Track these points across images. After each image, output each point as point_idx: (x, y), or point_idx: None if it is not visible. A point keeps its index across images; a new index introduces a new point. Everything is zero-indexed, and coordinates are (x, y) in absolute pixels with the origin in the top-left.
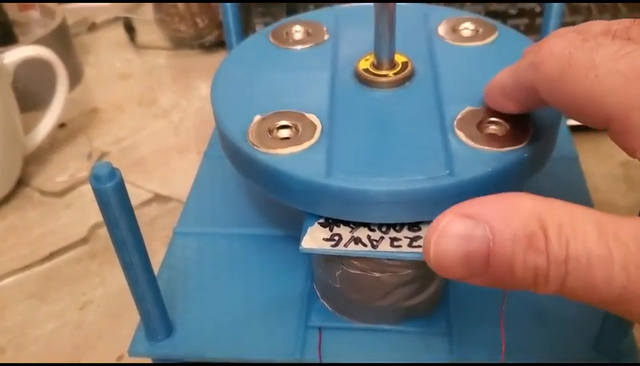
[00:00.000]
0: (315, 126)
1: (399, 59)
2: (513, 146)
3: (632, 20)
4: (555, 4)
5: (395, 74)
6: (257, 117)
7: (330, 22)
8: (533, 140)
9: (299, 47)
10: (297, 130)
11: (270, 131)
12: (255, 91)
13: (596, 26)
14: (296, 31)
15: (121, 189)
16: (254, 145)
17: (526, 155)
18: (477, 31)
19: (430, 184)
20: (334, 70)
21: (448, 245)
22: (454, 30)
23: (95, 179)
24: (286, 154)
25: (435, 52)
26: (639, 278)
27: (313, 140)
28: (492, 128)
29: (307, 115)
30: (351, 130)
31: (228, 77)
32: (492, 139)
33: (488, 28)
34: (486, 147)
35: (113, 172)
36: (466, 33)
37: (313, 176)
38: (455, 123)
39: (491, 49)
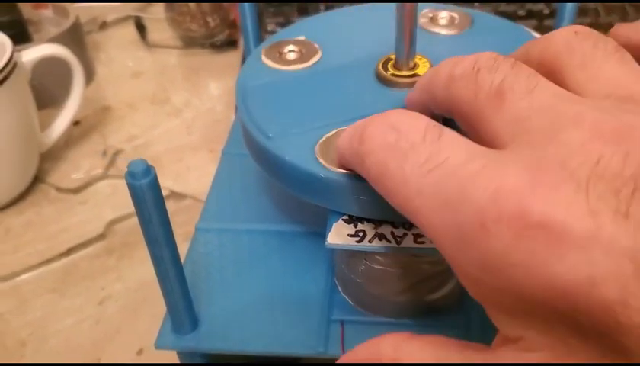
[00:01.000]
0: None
1: (421, 62)
2: None
3: (472, 64)
4: (568, 6)
5: (414, 75)
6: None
7: (320, 35)
8: None
9: (298, 66)
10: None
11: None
12: (288, 115)
13: (443, 68)
14: (290, 51)
15: (156, 185)
16: (320, 161)
17: None
18: (452, 20)
19: None
20: (355, 74)
21: None
22: (434, 20)
23: (131, 176)
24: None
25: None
26: None
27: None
28: None
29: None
30: None
31: (255, 107)
32: None
33: (464, 17)
34: None
35: (149, 169)
36: (443, 21)
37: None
38: None
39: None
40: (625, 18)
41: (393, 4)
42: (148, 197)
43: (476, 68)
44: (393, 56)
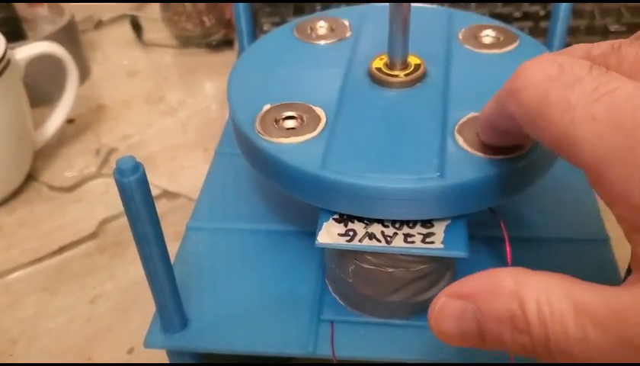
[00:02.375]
0: (319, 119)
1: (413, 60)
2: (509, 154)
3: (611, 43)
4: (562, 7)
5: (407, 75)
6: (267, 107)
7: (354, 19)
8: (531, 151)
9: (321, 42)
10: (302, 121)
11: (277, 121)
12: (269, 82)
13: (578, 50)
14: (320, 27)
15: (144, 182)
16: (259, 132)
17: (520, 164)
18: (498, 39)
19: (419, 185)
20: (350, 67)
21: (446, 325)
22: (475, 36)
23: (119, 172)
24: (288, 143)
25: (452, 57)
26: (615, 356)
27: (315, 132)
28: None
29: (314, 108)
30: (354, 125)
31: (246, 68)
32: (490, 146)
33: (509, 37)
34: (481, 154)
35: (137, 166)
36: (487, 40)
37: (308, 167)
38: (456, 127)
39: (508, 57)
40: (620, 21)
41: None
42: (137, 194)
43: (616, 45)
44: (377, 63)
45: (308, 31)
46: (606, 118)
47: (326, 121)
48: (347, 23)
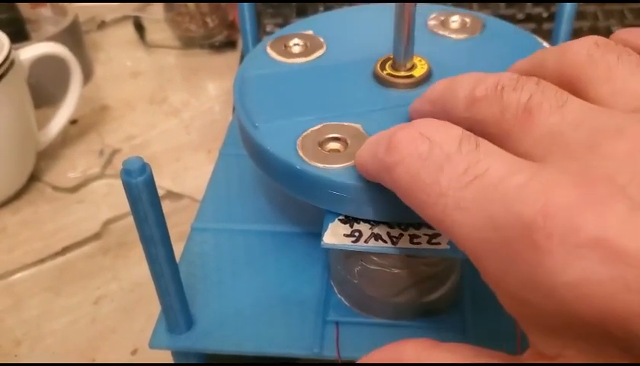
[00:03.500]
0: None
1: (419, 62)
2: None
3: (495, 84)
4: (567, 9)
5: (411, 76)
6: (308, 131)
7: (321, 31)
8: None
9: (299, 60)
10: (346, 144)
11: (320, 144)
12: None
13: (464, 84)
14: (295, 44)
15: (151, 183)
16: (308, 161)
17: None
18: (464, 23)
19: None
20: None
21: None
22: (445, 23)
23: (126, 173)
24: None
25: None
26: None
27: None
28: None
29: (351, 125)
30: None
31: (251, 88)
32: None
33: (475, 21)
34: None
35: (144, 167)
36: (454, 25)
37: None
38: None
39: (481, 41)
40: (623, 22)
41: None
42: (144, 195)
43: (499, 87)
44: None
45: (284, 48)
46: (476, 208)
47: (361, 133)
48: (320, 39)
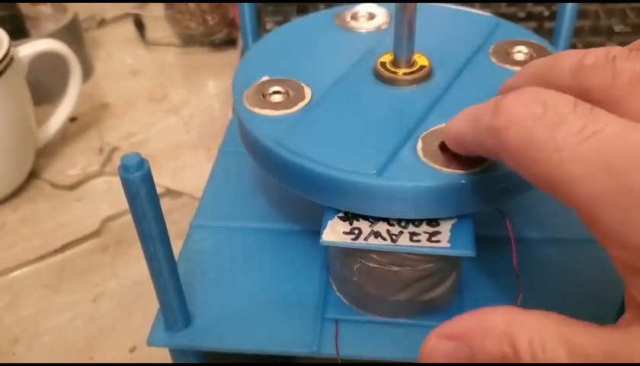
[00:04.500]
0: (303, 98)
1: (421, 60)
2: (457, 169)
3: (606, 53)
4: (568, 8)
5: (406, 74)
6: (265, 78)
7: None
8: (487, 170)
9: (357, 30)
10: (288, 96)
11: (264, 95)
12: (276, 58)
13: (566, 61)
14: (361, 16)
15: (149, 179)
16: (244, 104)
17: (463, 182)
18: (531, 56)
19: (351, 178)
20: (363, 58)
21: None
22: (507, 51)
23: (124, 169)
24: (263, 115)
25: (469, 66)
26: None
27: (293, 109)
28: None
29: (305, 87)
30: (331, 112)
31: (270, 42)
32: (444, 158)
33: (543, 54)
34: (431, 163)
35: (142, 162)
36: (519, 56)
37: (267, 141)
38: (422, 134)
39: None
40: (625, 21)
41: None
42: (142, 190)
43: (611, 56)
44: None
45: (348, 19)
46: (595, 159)
47: (310, 100)
48: (388, 13)
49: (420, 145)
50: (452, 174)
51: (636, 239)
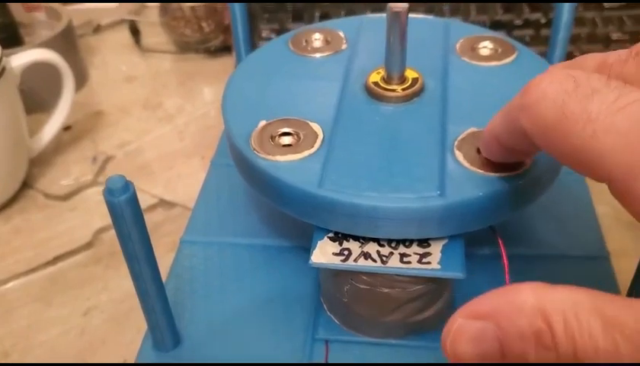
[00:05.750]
0: (316, 136)
1: (410, 74)
2: (509, 172)
3: (629, 51)
4: (564, 16)
5: (404, 89)
6: (262, 123)
7: (350, 31)
8: (531, 169)
9: (317, 55)
10: (299, 137)
11: (273, 137)
12: (265, 97)
13: (590, 60)
14: (316, 39)
15: (134, 202)
16: (254, 149)
17: (520, 182)
18: (496, 51)
19: (419, 204)
20: (346, 81)
21: (463, 347)
22: (473, 48)
23: (109, 193)
24: (284, 161)
25: (449, 70)
26: None
27: (312, 150)
28: None
29: (310, 124)
30: (352, 142)
31: (241, 81)
32: (490, 163)
33: (507, 48)
34: (482, 171)
35: (127, 185)
36: (484, 51)
37: (305, 185)
38: (455, 143)
39: (507, 70)
40: (622, 29)
41: None
42: (127, 213)
43: (634, 52)
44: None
45: (304, 43)
46: (631, 129)
47: (323, 138)
48: (342, 35)
49: (460, 155)
50: (506, 176)
51: None
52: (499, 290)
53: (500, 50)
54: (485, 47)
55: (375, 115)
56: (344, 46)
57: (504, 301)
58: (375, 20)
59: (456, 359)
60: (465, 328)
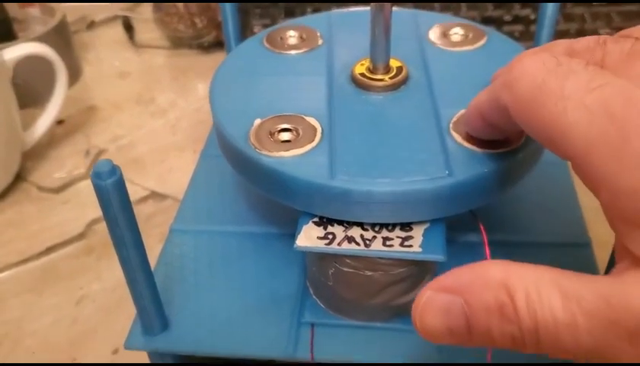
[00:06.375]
0: (315, 129)
1: (394, 63)
2: (506, 147)
3: (596, 39)
4: (549, 12)
5: (391, 78)
6: (258, 121)
7: (323, 27)
8: (526, 143)
9: (293, 52)
10: (298, 133)
11: (272, 134)
12: (253, 96)
13: (558, 46)
14: (291, 36)
15: (121, 186)
16: (256, 147)
17: (520, 155)
18: (467, 36)
19: (432, 185)
20: (330, 75)
21: (431, 320)
22: (444, 34)
23: (96, 176)
24: (289, 156)
25: (427, 57)
26: (605, 340)
27: (314, 143)
28: None
29: (306, 118)
30: (351, 132)
31: (226, 81)
32: (486, 141)
33: (478, 33)
34: (481, 149)
35: (114, 169)
36: (456, 37)
37: (317, 178)
38: (451, 125)
39: (481, 53)
40: (610, 25)
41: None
42: (114, 197)
43: (601, 40)
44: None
45: (279, 41)
46: (598, 107)
47: (322, 130)
48: (316, 31)
49: (458, 136)
50: (505, 152)
51: (627, 184)
52: (469, 266)
53: (470, 35)
54: (457, 33)
55: (367, 105)
56: (319, 42)
57: (473, 276)
58: (343, 15)
59: (424, 333)
60: (433, 300)
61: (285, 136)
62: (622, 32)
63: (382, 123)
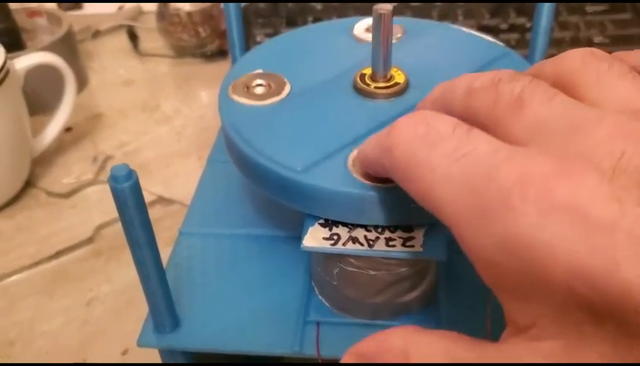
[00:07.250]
0: (280, 94)
1: (398, 76)
2: (375, 183)
3: (493, 77)
4: (543, 21)
5: (379, 88)
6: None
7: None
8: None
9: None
10: (270, 89)
11: (248, 87)
12: (274, 57)
13: (463, 81)
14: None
15: (137, 189)
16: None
17: (373, 194)
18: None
19: (277, 169)
20: (351, 68)
21: None
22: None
23: (113, 179)
24: (241, 103)
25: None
26: None
27: (266, 102)
28: None
29: (287, 83)
30: (301, 111)
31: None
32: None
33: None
34: (354, 174)
35: (130, 173)
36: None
37: (232, 132)
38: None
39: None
40: (604, 33)
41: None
42: (130, 199)
43: (496, 79)
44: (366, 71)
45: (362, 29)
46: (461, 180)
47: (284, 97)
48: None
49: (353, 155)
50: (370, 185)
51: (492, 254)
52: (379, 334)
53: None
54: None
55: (342, 101)
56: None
57: (379, 344)
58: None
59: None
60: (348, 364)
61: (259, 90)
62: (532, 68)
63: (328, 115)
